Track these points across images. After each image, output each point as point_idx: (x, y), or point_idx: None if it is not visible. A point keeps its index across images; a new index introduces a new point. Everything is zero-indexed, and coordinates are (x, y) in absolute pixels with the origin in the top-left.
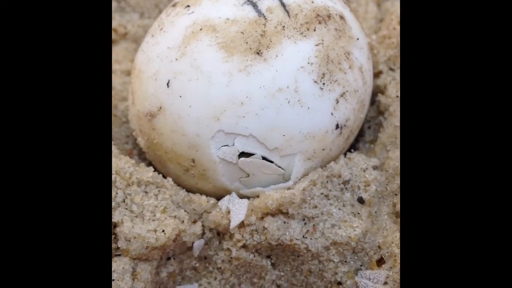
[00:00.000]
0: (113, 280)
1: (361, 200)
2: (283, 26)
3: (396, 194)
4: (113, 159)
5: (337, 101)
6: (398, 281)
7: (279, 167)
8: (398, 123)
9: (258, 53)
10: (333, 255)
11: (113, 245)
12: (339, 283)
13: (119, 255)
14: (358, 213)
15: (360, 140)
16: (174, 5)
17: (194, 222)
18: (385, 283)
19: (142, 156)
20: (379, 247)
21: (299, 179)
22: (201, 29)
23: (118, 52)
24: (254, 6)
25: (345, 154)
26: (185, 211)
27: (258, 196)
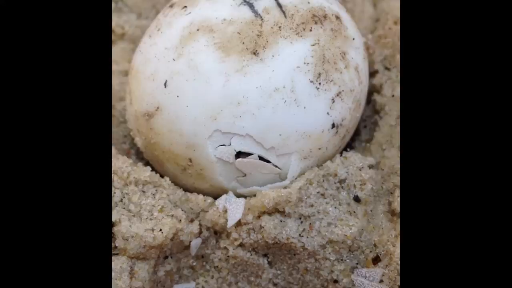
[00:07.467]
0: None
1: (357, 199)
2: (280, 27)
3: (391, 193)
4: None
5: (333, 101)
6: (394, 279)
7: (276, 166)
8: (393, 122)
9: (254, 53)
10: (329, 253)
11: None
12: (335, 281)
13: (117, 254)
14: (354, 212)
15: (356, 139)
16: (171, 6)
17: (191, 221)
18: (381, 281)
19: (140, 156)
20: (375, 245)
21: (296, 178)
22: (198, 30)
23: (115, 52)
24: (251, 6)
25: (341, 153)
26: (182, 210)
27: (255, 195)
